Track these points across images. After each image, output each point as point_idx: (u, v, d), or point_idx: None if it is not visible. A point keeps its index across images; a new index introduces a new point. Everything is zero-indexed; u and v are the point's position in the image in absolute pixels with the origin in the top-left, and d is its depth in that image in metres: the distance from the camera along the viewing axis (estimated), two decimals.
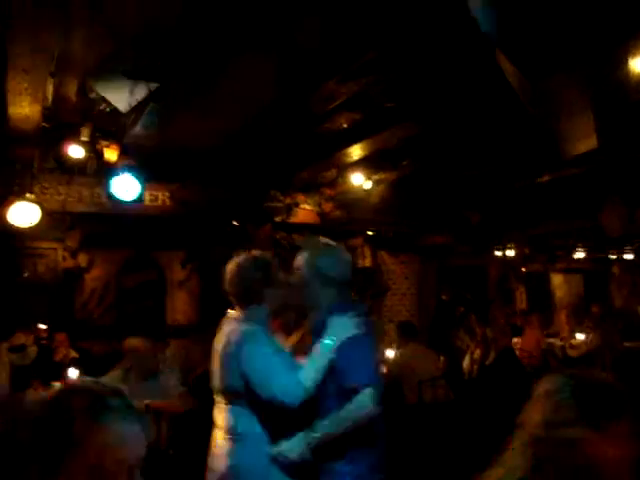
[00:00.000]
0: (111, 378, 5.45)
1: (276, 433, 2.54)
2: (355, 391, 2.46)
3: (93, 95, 4.02)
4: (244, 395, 2.56)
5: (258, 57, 3.97)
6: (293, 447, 2.49)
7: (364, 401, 2.46)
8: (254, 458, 2.54)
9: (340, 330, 2.53)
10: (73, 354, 7.12)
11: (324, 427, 2.48)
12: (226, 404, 2.67)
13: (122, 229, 7.13)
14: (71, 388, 1.40)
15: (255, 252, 2.81)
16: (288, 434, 2.51)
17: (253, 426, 2.57)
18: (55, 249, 7.55)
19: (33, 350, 6.70)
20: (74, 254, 7.50)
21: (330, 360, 2.47)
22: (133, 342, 4.74)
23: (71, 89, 4.52)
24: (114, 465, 1.24)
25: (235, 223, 6.88)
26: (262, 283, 2.73)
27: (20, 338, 6.72)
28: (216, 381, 2.71)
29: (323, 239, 2.82)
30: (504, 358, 6.55)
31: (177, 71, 4.02)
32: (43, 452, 1.27)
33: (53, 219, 6.26)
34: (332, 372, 2.47)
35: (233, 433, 2.61)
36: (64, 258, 7.53)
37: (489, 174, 6.25)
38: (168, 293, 8.04)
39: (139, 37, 3.77)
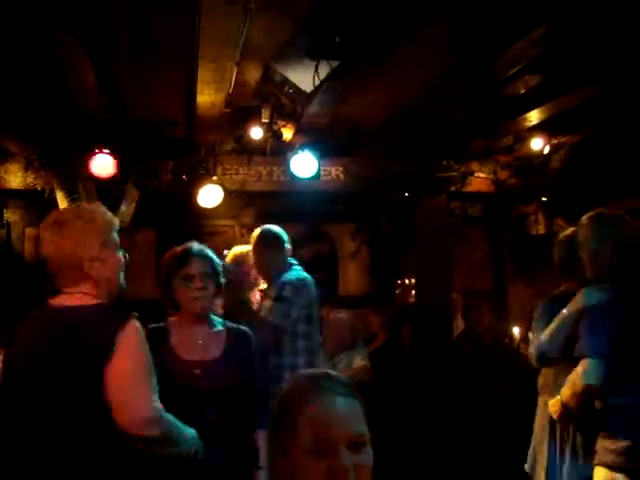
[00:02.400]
0: None
1: None
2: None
3: (277, 78, 4.12)
4: None
5: (438, 22, 3.86)
6: None
7: (585, 372, 2.46)
8: None
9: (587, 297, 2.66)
10: None
11: None
12: None
13: (295, 205, 7.35)
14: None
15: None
16: None
17: None
18: (232, 226, 7.95)
19: None
20: (250, 230, 7.83)
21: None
22: (340, 314, 4.83)
23: (252, 74, 4.68)
24: (328, 443, 1.22)
25: (406, 194, 6.83)
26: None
27: None
28: None
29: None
30: None
31: (354, 46, 4.00)
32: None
33: (230, 198, 6.57)
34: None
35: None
36: (241, 235, 7.90)
37: None
38: (340, 265, 8.19)
39: (317, 15, 3.81)
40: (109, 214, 2.25)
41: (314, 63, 3.90)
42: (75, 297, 2.09)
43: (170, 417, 2.02)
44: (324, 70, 3.98)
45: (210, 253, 2.72)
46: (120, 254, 2.24)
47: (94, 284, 2.12)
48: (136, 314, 2.05)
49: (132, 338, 1.99)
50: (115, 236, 2.21)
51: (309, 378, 1.34)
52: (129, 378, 1.93)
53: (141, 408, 1.92)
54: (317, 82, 3.92)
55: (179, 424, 2.07)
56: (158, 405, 1.97)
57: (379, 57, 4.21)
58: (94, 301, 2.09)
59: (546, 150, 5.96)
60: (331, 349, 5.06)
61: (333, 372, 1.38)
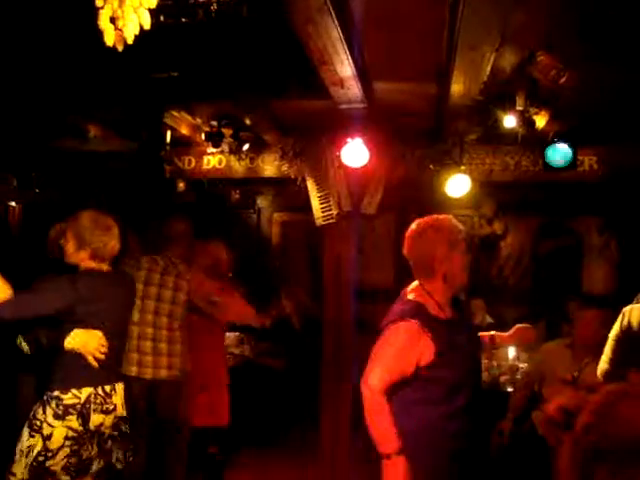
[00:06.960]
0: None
1: None
2: None
3: (541, 62, 3.94)
4: None
5: None
6: None
7: None
8: None
9: None
10: (489, 319, 7.30)
11: None
12: None
13: (537, 196, 7.07)
14: (619, 393, 1.23)
15: None
16: None
17: None
18: (470, 216, 7.85)
19: None
20: (490, 221, 7.71)
21: None
22: (589, 311, 4.57)
23: (507, 60, 4.51)
24: None
25: None
26: None
27: None
28: None
29: None
30: None
31: (628, 21, 3.68)
32: None
33: (471, 187, 6.46)
34: None
35: None
36: (480, 225, 7.79)
37: None
38: (585, 260, 7.73)
39: None
40: (454, 222, 2.84)
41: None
42: (412, 290, 2.79)
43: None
44: (593, 49, 3.73)
45: None
46: (464, 254, 2.80)
47: (441, 278, 2.74)
48: (408, 319, 2.63)
49: (390, 331, 2.67)
50: (461, 239, 2.78)
51: None
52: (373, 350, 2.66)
53: (366, 376, 2.59)
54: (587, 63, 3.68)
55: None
56: (374, 382, 2.57)
57: None
58: (416, 296, 2.75)
59: None
60: (580, 351, 4.77)
61: None
